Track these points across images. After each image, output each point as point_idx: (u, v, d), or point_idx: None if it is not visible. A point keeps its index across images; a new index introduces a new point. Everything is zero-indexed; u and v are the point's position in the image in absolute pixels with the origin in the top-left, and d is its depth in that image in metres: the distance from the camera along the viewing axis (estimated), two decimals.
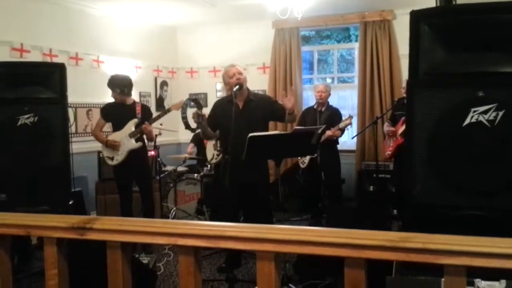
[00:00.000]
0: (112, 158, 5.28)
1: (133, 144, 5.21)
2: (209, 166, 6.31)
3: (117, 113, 5.29)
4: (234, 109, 4.02)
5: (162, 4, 6.89)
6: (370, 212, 5.70)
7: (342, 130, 6.13)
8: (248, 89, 4.50)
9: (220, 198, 4.73)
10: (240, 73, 4.36)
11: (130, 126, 5.23)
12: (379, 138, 6.61)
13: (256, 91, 4.95)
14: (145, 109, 5.43)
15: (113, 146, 5.21)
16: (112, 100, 5.41)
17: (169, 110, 5.42)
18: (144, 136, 5.31)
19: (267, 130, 4.51)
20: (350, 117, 6.09)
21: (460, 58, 2.41)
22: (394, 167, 6.42)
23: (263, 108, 4.41)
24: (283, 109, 4.24)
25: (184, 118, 4.16)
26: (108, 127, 5.56)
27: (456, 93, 2.41)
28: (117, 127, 5.32)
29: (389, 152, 5.95)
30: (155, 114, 5.54)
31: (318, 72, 8.40)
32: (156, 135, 5.57)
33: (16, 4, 5.76)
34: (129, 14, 7.42)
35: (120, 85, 5.24)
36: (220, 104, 4.60)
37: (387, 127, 6.13)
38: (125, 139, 5.21)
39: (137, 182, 5.40)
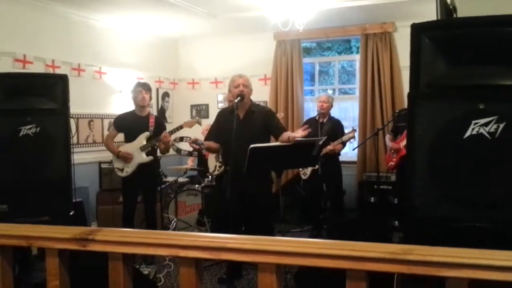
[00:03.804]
0: (122, 170, 5.22)
1: (143, 158, 5.17)
2: (210, 177, 6.31)
3: (130, 124, 5.25)
4: (235, 120, 4.04)
5: (163, 16, 6.93)
6: (371, 223, 5.69)
7: (344, 144, 6.12)
8: (251, 100, 4.53)
9: (222, 210, 4.73)
10: (246, 86, 4.40)
11: (142, 140, 5.18)
12: (380, 150, 6.61)
13: (257, 103, 4.97)
14: (159, 123, 5.39)
15: (125, 158, 5.16)
16: (117, 109, 5.40)
17: (181, 127, 5.35)
18: (156, 148, 5.29)
19: (269, 141, 4.51)
20: (354, 130, 6.08)
21: (461, 70, 2.42)
22: (396, 178, 6.40)
23: (263, 120, 4.44)
24: (278, 129, 4.41)
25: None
26: (120, 137, 5.53)
27: (457, 106, 2.41)
28: (129, 138, 5.28)
29: (392, 163, 5.94)
30: None
31: (319, 84, 8.43)
32: (159, 157, 5.60)
33: (19, 16, 5.80)
34: (131, 26, 7.46)
35: (142, 84, 5.33)
36: (222, 115, 4.63)
37: (389, 141, 6.12)
38: (136, 152, 5.16)
39: (143, 194, 5.38)
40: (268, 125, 4.46)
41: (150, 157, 5.23)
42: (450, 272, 1.38)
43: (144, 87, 5.26)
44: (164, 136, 5.14)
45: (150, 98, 5.37)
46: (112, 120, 5.57)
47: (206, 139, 4.94)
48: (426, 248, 1.41)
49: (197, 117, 5.68)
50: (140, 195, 5.39)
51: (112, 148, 5.31)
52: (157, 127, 5.28)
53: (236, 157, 3.90)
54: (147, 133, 5.21)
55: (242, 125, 4.27)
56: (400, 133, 5.88)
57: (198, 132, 7.05)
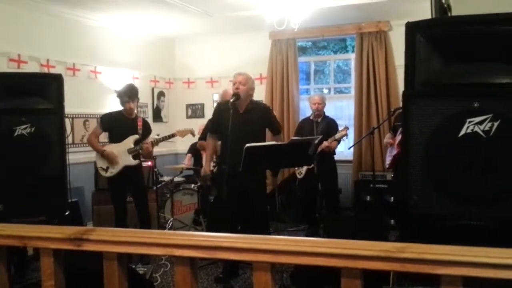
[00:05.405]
0: (106, 170, 5.14)
1: (130, 160, 5.13)
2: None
3: (118, 125, 5.19)
4: (231, 118, 4.05)
5: (159, 14, 6.92)
6: (367, 222, 5.69)
7: (338, 141, 6.12)
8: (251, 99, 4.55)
9: (217, 208, 4.73)
10: (243, 83, 4.39)
11: (130, 142, 5.13)
12: (375, 149, 6.61)
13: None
14: (146, 125, 5.34)
15: (110, 159, 5.09)
16: (113, 109, 5.36)
17: (173, 135, 5.33)
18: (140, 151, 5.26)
19: (265, 138, 4.54)
20: (346, 128, 6.10)
21: (455, 69, 2.43)
22: (394, 177, 6.40)
23: (262, 117, 4.46)
24: (274, 127, 4.70)
25: None
26: (103, 136, 5.51)
27: (452, 104, 2.41)
28: (115, 138, 5.20)
29: (388, 162, 5.95)
30: (152, 125, 5.52)
31: (314, 83, 8.43)
32: (154, 158, 5.57)
33: (13, 15, 5.78)
34: (126, 25, 7.44)
35: (128, 93, 5.18)
36: (221, 109, 4.61)
37: (387, 139, 6.13)
38: (123, 153, 5.10)
39: (131, 195, 5.34)
40: (267, 121, 4.50)
41: (137, 161, 5.20)
42: (444, 270, 1.38)
43: (131, 97, 5.16)
44: (145, 147, 5.11)
45: (137, 102, 5.33)
46: (99, 118, 5.47)
47: (202, 136, 4.93)
48: (420, 246, 1.41)
49: (191, 128, 5.59)
50: (128, 195, 5.35)
51: (97, 147, 5.22)
52: (144, 130, 5.26)
53: (233, 153, 3.90)
54: (136, 136, 5.17)
55: (241, 121, 4.27)
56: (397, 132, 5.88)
57: (191, 141, 7.03)
